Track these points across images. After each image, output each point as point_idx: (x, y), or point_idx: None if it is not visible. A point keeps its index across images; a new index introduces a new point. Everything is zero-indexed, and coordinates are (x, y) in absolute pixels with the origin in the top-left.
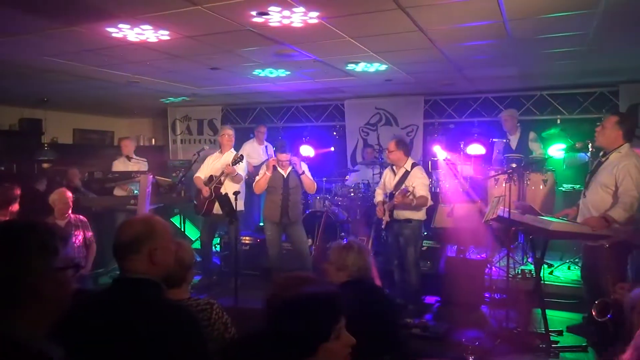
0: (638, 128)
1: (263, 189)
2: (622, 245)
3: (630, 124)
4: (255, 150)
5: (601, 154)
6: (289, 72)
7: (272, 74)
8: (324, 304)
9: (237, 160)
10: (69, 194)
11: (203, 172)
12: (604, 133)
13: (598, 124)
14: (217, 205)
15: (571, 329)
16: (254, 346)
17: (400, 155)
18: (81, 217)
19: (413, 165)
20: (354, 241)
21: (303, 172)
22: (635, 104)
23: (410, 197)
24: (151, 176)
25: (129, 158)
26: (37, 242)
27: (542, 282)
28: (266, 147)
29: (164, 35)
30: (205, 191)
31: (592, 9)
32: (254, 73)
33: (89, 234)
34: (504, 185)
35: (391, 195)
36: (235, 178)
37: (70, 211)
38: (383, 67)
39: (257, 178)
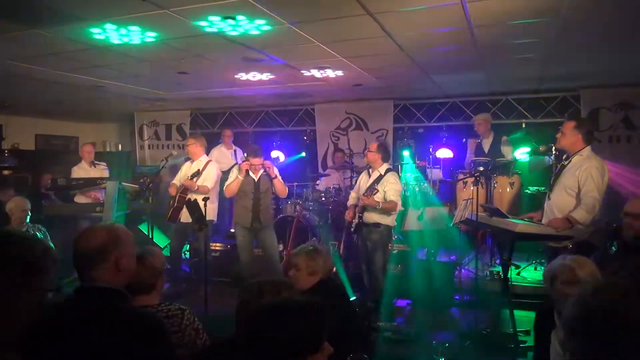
0: (598, 131)
1: (234, 193)
2: (583, 245)
3: (587, 127)
4: (224, 155)
5: (564, 157)
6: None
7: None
8: (317, 314)
9: (193, 175)
10: (27, 202)
11: (177, 179)
12: (564, 138)
13: (559, 128)
14: (186, 214)
15: None
16: (229, 353)
17: (377, 158)
18: (39, 226)
19: (387, 171)
20: (317, 245)
21: (276, 177)
22: (595, 108)
23: (376, 195)
24: (118, 182)
25: (91, 164)
26: (20, 259)
27: (510, 283)
28: (235, 151)
29: (130, 38)
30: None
31: (552, 17)
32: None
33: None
34: (472, 188)
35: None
36: (198, 190)
37: (28, 220)
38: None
39: (228, 182)
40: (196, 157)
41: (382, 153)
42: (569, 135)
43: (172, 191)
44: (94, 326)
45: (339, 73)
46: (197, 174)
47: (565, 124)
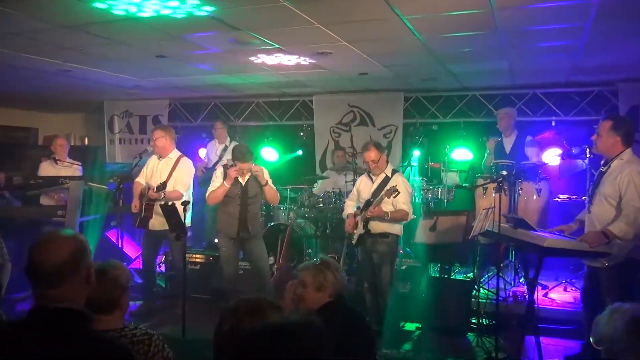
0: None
1: (219, 200)
2: (626, 264)
3: (627, 127)
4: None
5: (602, 162)
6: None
7: None
8: (312, 340)
9: (160, 187)
10: None
11: (143, 178)
12: (600, 140)
13: (595, 127)
14: (156, 221)
15: (569, 359)
16: None
17: (384, 160)
18: None
19: (393, 172)
20: (326, 258)
21: (267, 183)
22: (636, 105)
23: (394, 196)
24: (82, 182)
25: (59, 161)
26: None
27: (536, 305)
28: (225, 146)
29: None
30: (135, 205)
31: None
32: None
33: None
34: (493, 195)
35: (368, 204)
36: (169, 196)
37: None
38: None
39: (212, 187)
40: (165, 152)
41: (383, 151)
42: (606, 137)
43: (137, 191)
44: (50, 355)
45: (341, 60)
46: (163, 186)
47: (601, 124)
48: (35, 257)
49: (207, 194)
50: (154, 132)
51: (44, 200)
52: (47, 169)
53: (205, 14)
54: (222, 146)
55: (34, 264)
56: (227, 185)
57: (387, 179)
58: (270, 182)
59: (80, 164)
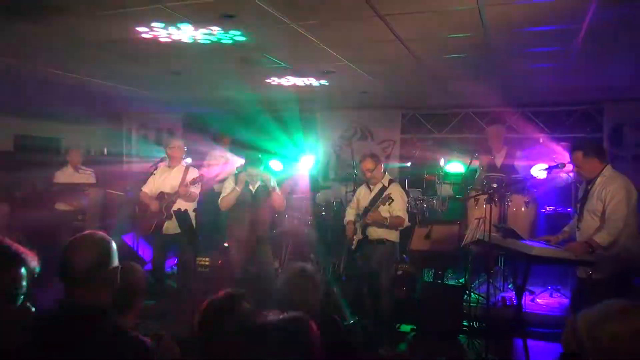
0: (622, 148)
1: (231, 205)
2: (610, 280)
3: (596, 148)
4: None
5: (586, 180)
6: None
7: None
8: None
9: (196, 181)
10: (5, 207)
11: (149, 187)
12: (582, 170)
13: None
14: (170, 225)
15: None
16: None
17: (379, 169)
18: (18, 233)
19: (390, 182)
20: (307, 267)
21: (274, 189)
22: (619, 124)
23: (389, 203)
24: (103, 190)
25: (75, 169)
26: None
27: (524, 310)
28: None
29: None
30: (154, 206)
31: (576, 24)
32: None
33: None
34: (484, 206)
35: (366, 211)
36: (190, 197)
37: (6, 226)
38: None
39: (224, 194)
40: (179, 162)
41: (379, 162)
42: (584, 165)
43: (145, 198)
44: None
45: (344, 79)
46: (196, 180)
47: (574, 157)
48: (68, 258)
49: (219, 200)
50: (174, 141)
51: (60, 206)
52: (61, 177)
53: (231, 41)
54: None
55: (65, 265)
56: (238, 189)
57: (384, 188)
58: (277, 188)
59: (92, 171)
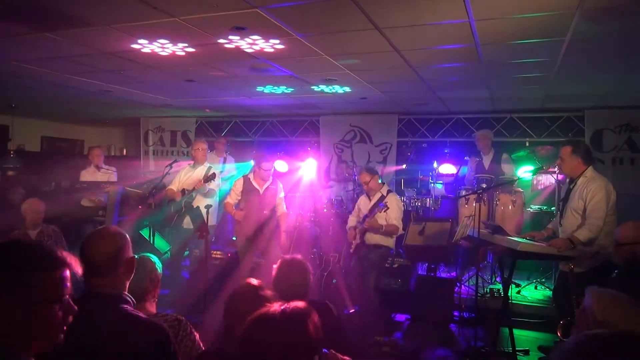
0: (601, 152)
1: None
2: (589, 272)
3: (584, 149)
4: (213, 162)
5: (568, 180)
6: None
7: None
8: (304, 321)
9: (209, 178)
10: (41, 203)
11: (175, 185)
12: (564, 164)
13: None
14: (187, 219)
15: (543, 350)
16: None
17: (376, 180)
18: (54, 227)
19: (388, 192)
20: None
21: (282, 195)
22: (599, 129)
23: (385, 211)
24: (121, 187)
25: (97, 168)
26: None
27: (510, 301)
28: (224, 158)
29: (139, 45)
30: (178, 195)
31: (559, 37)
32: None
33: (62, 245)
34: (474, 205)
35: (365, 218)
36: (207, 193)
37: (41, 221)
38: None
39: (231, 200)
40: (202, 162)
41: (375, 173)
42: (568, 161)
43: (171, 194)
44: (105, 334)
45: (346, 88)
46: (212, 177)
47: (562, 151)
48: (86, 250)
49: (224, 203)
50: (199, 144)
51: (85, 202)
52: (86, 176)
53: (252, 50)
54: (220, 158)
55: (85, 256)
56: (237, 219)
57: (382, 198)
58: (283, 202)
59: (115, 170)
